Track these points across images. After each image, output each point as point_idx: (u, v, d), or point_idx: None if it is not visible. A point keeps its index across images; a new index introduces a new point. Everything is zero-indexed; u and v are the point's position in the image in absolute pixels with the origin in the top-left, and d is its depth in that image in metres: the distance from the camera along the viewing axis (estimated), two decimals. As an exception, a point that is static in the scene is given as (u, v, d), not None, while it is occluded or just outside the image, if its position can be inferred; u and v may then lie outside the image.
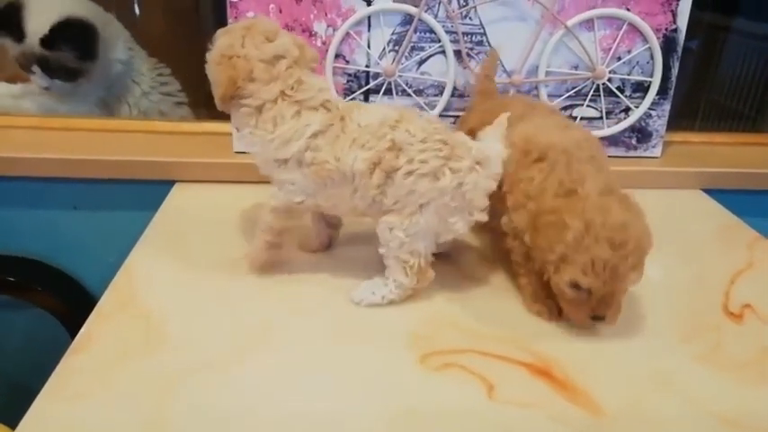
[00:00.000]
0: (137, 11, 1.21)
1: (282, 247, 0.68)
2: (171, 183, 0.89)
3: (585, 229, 0.54)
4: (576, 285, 0.56)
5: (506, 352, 0.57)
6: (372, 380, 0.54)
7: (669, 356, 0.58)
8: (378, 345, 0.58)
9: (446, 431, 0.49)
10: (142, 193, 0.88)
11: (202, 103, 1.00)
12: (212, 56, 0.62)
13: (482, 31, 0.89)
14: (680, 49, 0.92)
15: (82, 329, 0.58)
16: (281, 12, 0.85)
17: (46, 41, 0.94)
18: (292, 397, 0.51)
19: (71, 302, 0.94)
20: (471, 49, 0.90)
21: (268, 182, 0.66)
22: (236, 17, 0.85)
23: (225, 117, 0.88)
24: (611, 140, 0.97)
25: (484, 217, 0.62)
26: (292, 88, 0.61)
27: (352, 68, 0.89)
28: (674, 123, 0.99)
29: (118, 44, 1.03)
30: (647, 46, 0.92)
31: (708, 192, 0.96)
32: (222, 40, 0.62)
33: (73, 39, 0.97)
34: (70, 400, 0.50)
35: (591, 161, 0.62)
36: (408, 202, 0.60)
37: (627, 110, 0.95)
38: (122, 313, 0.60)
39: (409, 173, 0.59)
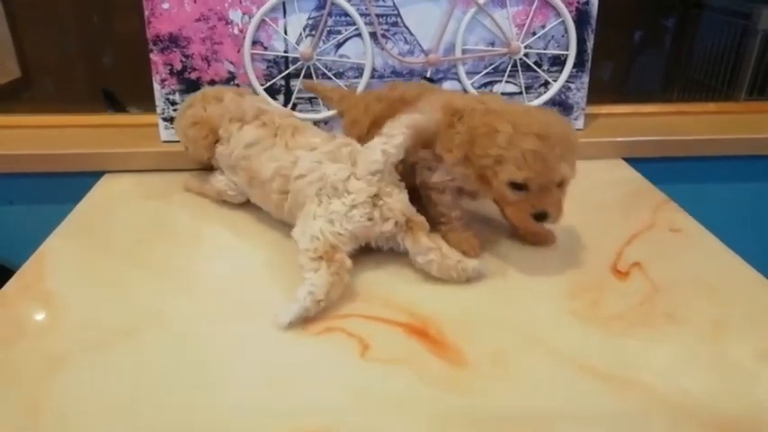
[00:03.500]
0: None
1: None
2: (100, 174, 0.92)
3: (514, 130, 0.61)
4: (513, 184, 0.62)
5: (389, 315, 0.59)
6: (252, 349, 0.56)
7: (546, 314, 0.61)
8: (261, 318, 0.60)
9: (310, 389, 0.51)
10: (74, 185, 0.90)
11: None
12: (185, 123, 0.81)
13: (396, 12, 0.91)
14: (593, 22, 0.94)
15: (-17, 311, 0.60)
16: (195, 2, 0.88)
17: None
18: (176, 372, 0.53)
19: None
20: (387, 30, 0.92)
21: (195, 168, 0.85)
22: (152, 9, 0.87)
23: (152, 108, 0.93)
24: (533, 115, 0.98)
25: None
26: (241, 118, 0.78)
27: (270, 54, 0.91)
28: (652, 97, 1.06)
29: None
30: (560, 20, 0.94)
31: (629, 161, 0.98)
32: (189, 111, 0.81)
33: None
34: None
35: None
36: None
37: (546, 84, 0.97)
38: (24, 297, 0.63)
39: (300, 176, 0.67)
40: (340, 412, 0.49)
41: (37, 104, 1.12)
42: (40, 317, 0.60)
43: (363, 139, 0.70)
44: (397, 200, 0.65)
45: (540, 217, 0.63)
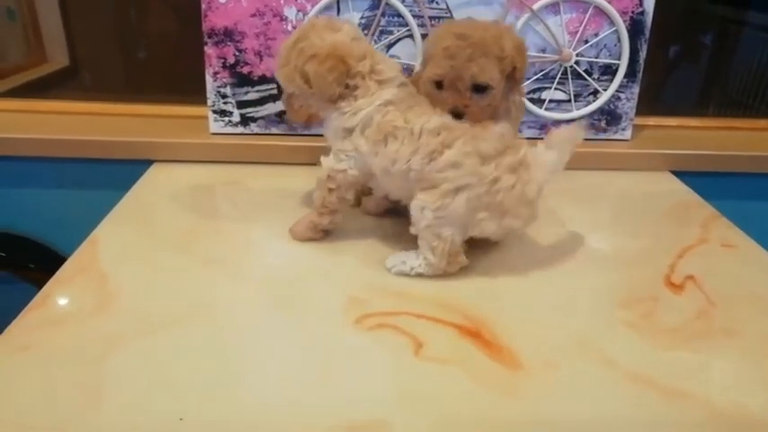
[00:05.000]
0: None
1: (327, 225, 0.72)
2: (150, 162, 0.93)
3: (443, 31, 0.67)
4: (433, 80, 0.67)
5: (441, 315, 0.59)
6: (308, 342, 0.56)
7: (600, 322, 0.60)
8: (316, 309, 0.60)
9: (363, 384, 0.51)
10: (122, 172, 0.92)
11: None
12: (303, 59, 0.65)
13: (449, 14, 0.91)
14: (647, 32, 0.93)
15: (41, 290, 0.61)
16: (251, -3, 0.89)
17: None
18: (230, 362, 0.54)
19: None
20: (439, 32, 0.92)
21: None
22: (209, 2, 0.88)
23: (198, 102, 0.94)
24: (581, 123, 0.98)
25: (516, 224, 0.64)
26: (373, 69, 0.66)
27: (322, 52, 0.92)
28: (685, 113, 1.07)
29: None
30: (613, 29, 0.93)
31: (677, 174, 0.96)
32: (299, 46, 0.65)
33: None
34: (15, 352, 0.53)
35: None
36: (449, 176, 0.62)
37: (595, 92, 0.96)
38: (80, 277, 0.64)
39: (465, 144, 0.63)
40: (393, 408, 0.49)
41: (83, 93, 1.13)
42: (95, 299, 0.61)
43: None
44: None
45: (456, 115, 0.65)
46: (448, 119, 0.64)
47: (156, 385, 0.50)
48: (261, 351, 0.55)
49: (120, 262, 0.68)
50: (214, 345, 0.55)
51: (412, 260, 0.66)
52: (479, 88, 0.66)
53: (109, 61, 1.14)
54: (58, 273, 0.65)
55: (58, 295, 0.61)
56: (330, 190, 0.69)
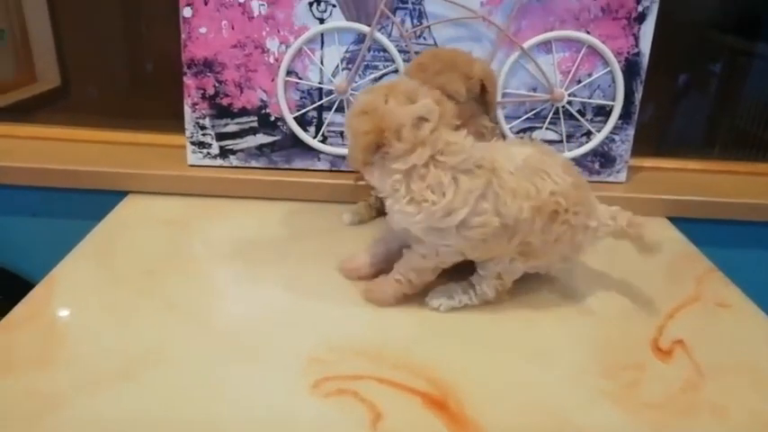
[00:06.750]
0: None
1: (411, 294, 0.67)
2: (125, 193, 0.90)
3: (422, 53, 0.77)
4: None
5: (406, 379, 0.55)
6: (260, 410, 0.52)
7: (578, 393, 0.55)
8: (275, 369, 0.56)
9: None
10: (97, 203, 0.89)
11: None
12: (354, 110, 0.59)
13: (437, 50, 0.88)
14: (643, 73, 0.90)
15: (-15, 338, 0.58)
16: (233, 28, 0.86)
17: None
18: (172, 417, 0.50)
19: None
20: (426, 68, 0.89)
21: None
22: (188, 32, 0.86)
23: (180, 129, 0.91)
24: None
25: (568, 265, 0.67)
26: (442, 153, 0.57)
27: (305, 85, 0.89)
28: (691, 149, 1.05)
29: None
30: (608, 69, 0.89)
31: (674, 220, 0.92)
32: (364, 98, 0.59)
33: None
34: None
35: None
36: (548, 247, 0.62)
37: (588, 134, 0.93)
38: (28, 323, 0.60)
39: (564, 222, 0.61)
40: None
41: (74, 114, 1.11)
42: (40, 348, 0.58)
43: None
44: None
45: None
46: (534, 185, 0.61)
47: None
48: (211, 415, 0.51)
49: (74, 305, 0.64)
50: (162, 403, 0.51)
51: (459, 294, 0.66)
52: (451, 96, 0.68)
53: (98, 84, 1.11)
54: (6, 317, 0.61)
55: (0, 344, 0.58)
56: (435, 273, 0.65)
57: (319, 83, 0.89)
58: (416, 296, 0.67)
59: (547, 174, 0.61)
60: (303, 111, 0.90)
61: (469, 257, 0.64)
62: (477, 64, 0.74)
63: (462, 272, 0.66)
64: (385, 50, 0.88)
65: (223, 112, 0.89)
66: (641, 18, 0.87)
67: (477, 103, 0.76)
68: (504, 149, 0.63)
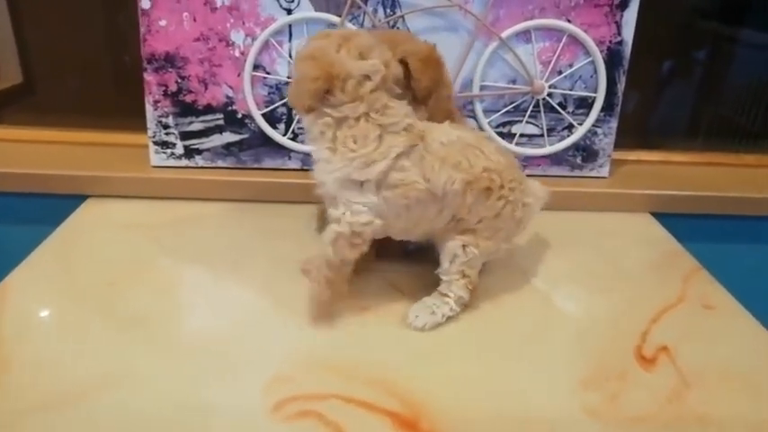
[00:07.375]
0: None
1: (343, 283, 0.62)
2: (84, 197, 0.86)
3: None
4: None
5: (375, 398, 0.52)
6: (215, 425, 0.48)
7: (559, 408, 0.52)
8: (237, 390, 0.53)
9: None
10: (57, 207, 0.84)
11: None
12: (305, 52, 0.58)
13: (411, 41, 0.84)
14: (626, 63, 0.86)
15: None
16: (195, 20, 0.81)
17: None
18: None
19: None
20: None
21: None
22: (148, 25, 0.81)
23: (142, 128, 0.86)
24: (555, 159, 0.91)
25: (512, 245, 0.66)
26: (377, 111, 0.57)
27: (273, 79, 0.85)
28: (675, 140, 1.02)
29: None
30: (589, 59, 0.86)
31: (657, 216, 0.89)
32: (319, 42, 0.58)
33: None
34: None
35: None
36: (491, 224, 0.62)
37: (570, 127, 0.89)
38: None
39: (500, 198, 0.61)
40: None
41: (38, 112, 1.05)
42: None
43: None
44: None
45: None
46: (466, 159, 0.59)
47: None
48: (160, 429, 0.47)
49: (25, 320, 0.60)
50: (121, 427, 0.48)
51: (441, 307, 0.63)
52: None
53: (61, 82, 1.06)
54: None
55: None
56: (354, 246, 0.59)
57: (288, 77, 0.84)
58: (395, 308, 0.63)
59: (481, 151, 0.60)
60: (272, 107, 0.85)
61: (393, 233, 0.62)
62: (413, 43, 0.66)
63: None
64: (356, 42, 0.83)
65: (187, 110, 0.85)
66: (624, 5, 0.83)
67: (404, 89, 0.64)
68: (441, 127, 0.62)
